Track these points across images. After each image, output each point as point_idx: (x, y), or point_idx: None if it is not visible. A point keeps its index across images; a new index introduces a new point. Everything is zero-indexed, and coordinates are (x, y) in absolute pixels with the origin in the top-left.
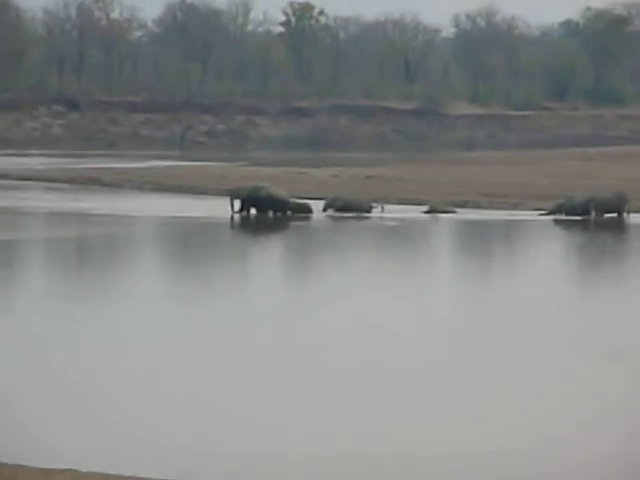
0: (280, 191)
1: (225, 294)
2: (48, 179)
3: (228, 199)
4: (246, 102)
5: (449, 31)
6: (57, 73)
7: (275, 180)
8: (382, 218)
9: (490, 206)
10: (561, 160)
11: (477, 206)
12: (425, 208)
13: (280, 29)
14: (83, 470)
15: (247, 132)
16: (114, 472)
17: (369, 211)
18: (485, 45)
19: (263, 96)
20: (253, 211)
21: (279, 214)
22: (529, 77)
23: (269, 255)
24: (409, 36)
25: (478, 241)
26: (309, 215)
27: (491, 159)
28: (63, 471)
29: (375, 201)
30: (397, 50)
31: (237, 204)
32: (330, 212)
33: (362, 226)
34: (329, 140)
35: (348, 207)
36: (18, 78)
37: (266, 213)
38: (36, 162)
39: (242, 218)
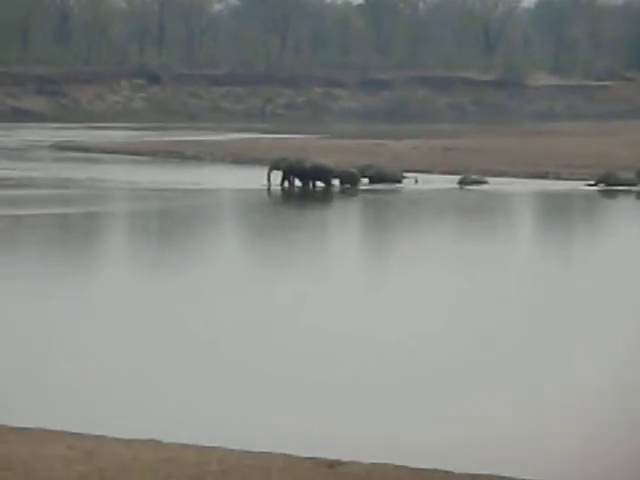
0: (325, 161)
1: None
2: (130, 152)
3: (266, 171)
4: (325, 74)
5: (529, 1)
6: (138, 47)
7: (352, 152)
8: (415, 189)
9: (570, 177)
10: None
11: (557, 177)
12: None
13: (359, 1)
14: (165, 441)
15: (326, 104)
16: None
17: (400, 181)
18: (566, 15)
19: (342, 68)
20: (297, 182)
21: (323, 185)
22: (610, 47)
23: (323, 227)
24: (489, 6)
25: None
26: (357, 186)
27: (572, 130)
28: (145, 441)
29: (456, 173)
30: (477, 20)
31: (279, 176)
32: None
33: (400, 198)
34: (408, 112)
35: (380, 177)
36: (100, 52)
37: (309, 184)
38: (118, 135)
39: (285, 190)
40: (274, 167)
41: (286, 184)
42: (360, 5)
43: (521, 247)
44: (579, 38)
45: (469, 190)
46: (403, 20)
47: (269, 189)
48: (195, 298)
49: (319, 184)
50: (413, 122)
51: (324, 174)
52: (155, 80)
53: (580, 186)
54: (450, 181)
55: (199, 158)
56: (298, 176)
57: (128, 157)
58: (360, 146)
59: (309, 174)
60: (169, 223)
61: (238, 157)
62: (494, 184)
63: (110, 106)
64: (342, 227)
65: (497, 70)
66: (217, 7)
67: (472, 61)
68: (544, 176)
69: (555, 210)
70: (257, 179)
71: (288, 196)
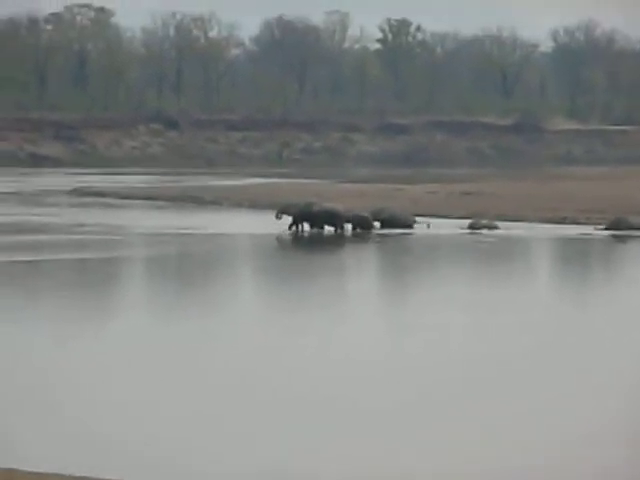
0: (336, 205)
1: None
2: (148, 197)
3: (274, 215)
4: (342, 119)
5: (547, 46)
6: (156, 92)
7: (369, 197)
8: (427, 234)
9: (588, 222)
10: None
11: (575, 222)
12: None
13: (377, 46)
14: None
15: (344, 149)
16: None
17: (412, 226)
18: (584, 59)
19: (359, 113)
20: (306, 227)
21: (335, 229)
22: (629, 92)
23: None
24: (507, 51)
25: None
26: (369, 230)
27: (590, 174)
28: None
29: (474, 217)
30: (494, 65)
31: (288, 220)
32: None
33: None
34: (426, 156)
35: (392, 221)
36: (117, 97)
37: (320, 228)
38: (135, 180)
39: (295, 234)
40: (283, 212)
41: (296, 228)
42: (377, 50)
43: (515, 294)
44: (597, 82)
45: (479, 235)
46: (420, 65)
47: (278, 236)
48: (211, 341)
49: (328, 228)
50: (431, 166)
51: (333, 218)
52: (173, 125)
53: (593, 231)
54: (462, 226)
55: (217, 203)
56: (307, 220)
57: (146, 202)
58: (377, 191)
59: (318, 218)
60: (185, 268)
61: (255, 202)
62: (505, 229)
63: (127, 151)
64: (352, 272)
65: (515, 115)
66: (234, 52)
67: (490, 106)
68: (562, 221)
69: (555, 255)
70: (274, 224)
71: (298, 241)
